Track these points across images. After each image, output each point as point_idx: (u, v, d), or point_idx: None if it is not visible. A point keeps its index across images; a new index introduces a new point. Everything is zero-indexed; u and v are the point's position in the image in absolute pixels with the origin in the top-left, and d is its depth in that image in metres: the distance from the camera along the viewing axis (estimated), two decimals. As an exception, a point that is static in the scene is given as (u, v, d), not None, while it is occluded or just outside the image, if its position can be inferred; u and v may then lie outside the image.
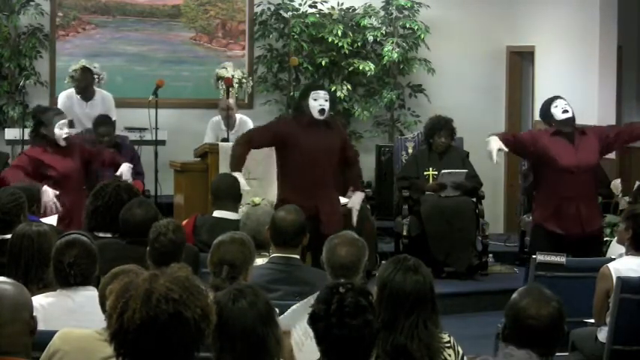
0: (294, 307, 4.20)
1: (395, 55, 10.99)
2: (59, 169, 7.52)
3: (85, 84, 9.72)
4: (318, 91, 7.15)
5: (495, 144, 7.01)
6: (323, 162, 7.06)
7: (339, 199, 7.31)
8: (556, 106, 7.19)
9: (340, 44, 11.00)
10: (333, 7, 11.21)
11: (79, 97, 9.69)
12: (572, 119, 7.19)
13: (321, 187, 7.04)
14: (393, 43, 11.06)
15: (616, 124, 7.38)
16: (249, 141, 7.20)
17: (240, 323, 3.18)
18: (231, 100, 9.74)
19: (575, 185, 7.10)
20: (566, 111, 7.18)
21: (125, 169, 7.63)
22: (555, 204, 7.14)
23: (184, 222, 6.38)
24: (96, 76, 10.16)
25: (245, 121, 9.77)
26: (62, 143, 7.49)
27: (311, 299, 3.62)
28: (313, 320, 3.29)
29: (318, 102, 7.08)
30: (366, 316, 3.25)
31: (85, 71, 9.86)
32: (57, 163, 7.53)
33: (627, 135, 7.36)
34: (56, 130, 7.49)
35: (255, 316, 3.20)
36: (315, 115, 7.06)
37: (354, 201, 7.35)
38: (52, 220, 6.31)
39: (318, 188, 7.02)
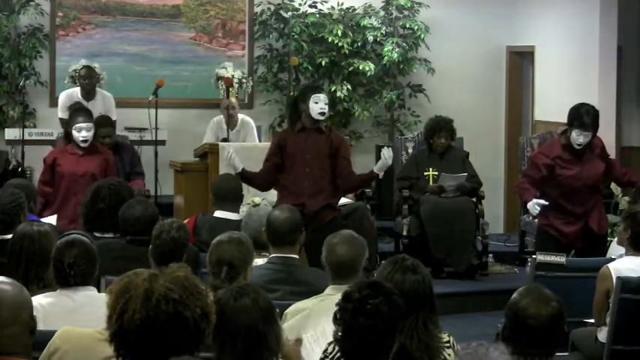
0: (305, 311, 4.20)
1: (395, 55, 10.99)
2: (66, 169, 7.66)
3: (93, 83, 9.77)
4: (319, 95, 7.13)
5: (533, 200, 7.31)
6: (311, 165, 7.07)
7: (332, 198, 7.26)
8: (578, 134, 7.27)
9: (340, 44, 11.00)
10: (333, 7, 11.21)
11: (80, 96, 9.70)
12: (582, 148, 7.35)
13: (310, 189, 7.05)
14: (393, 43, 11.06)
15: (614, 161, 7.75)
16: (264, 163, 7.24)
17: (242, 319, 3.20)
18: (234, 100, 9.75)
19: (583, 201, 7.39)
20: (580, 145, 7.30)
21: None
22: (563, 219, 7.40)
23: (185, 221, 6.38)
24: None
25: (247, 122, 9.77)
26: (82, 145, 7.70)
27: (329, 303, 3.61)
28: (342, 298, 3.35)
29: (319, 105, 7.08)
30: (378, 324, 3.26)
31: (92, 70, 9.89)
32: (68, 163, 7.70)
33: (617, 176, 7.70)
34: (74, 133, 7.74)
35: (257, 313, 3.23)
36: (316, 116, 7.08)
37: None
38: (52, 220, 6.32)
39: (307, 190, 7.04)
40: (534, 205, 7.30)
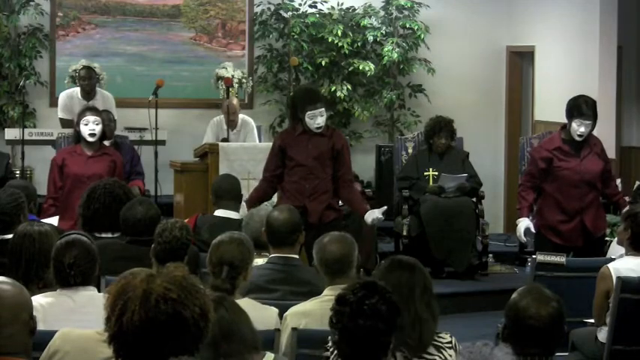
0: (310, 314, 4.21)
1: (395, 55, 10.99)
2: (74, 170, 7.66)
3: (93, 84, 9.77)
4: (314, 111, 6.97)
5: (523, 225, 7.44)
6: (312, 168, 7.06)
7: (333, 198, 7.25)
8: (579, 124, 7.29)
9: (340, 44, 11.00)
10: (333, 7, 11.21)
11: (80, 96, 9.70)
12: (583, 140, 7.36)
13: (311, 190, 7.04)
14: (393, 43, 11.06)
15: (612, 175, 7.73)
16: (266, 169, 7.23)
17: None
18: (235, 101, 9.73)
19: (579, 197, 7.39)
20: (581, 135, 7.32)
21: None
22: (559, 217, 7.41)
23: (185, 221, 6.37)
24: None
25: (247, 122, 9.77)
26: (89, 139, 7.69)
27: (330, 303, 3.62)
28: (336, 302, 3.35)
29: (315, 121, 6.98)
30: (377, 324, 3.26)
31: (91, 71, 9.89)
32: (76, 164, 7.69)
33: (609, 193, 7.62)
34: (81, 127, 7.76)
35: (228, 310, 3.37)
36: (313, 130, 7.04)
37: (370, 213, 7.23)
38: (52, 220, 6.32)
39: (308, 191, 7.03)
40: (521, 234, 7.47)
